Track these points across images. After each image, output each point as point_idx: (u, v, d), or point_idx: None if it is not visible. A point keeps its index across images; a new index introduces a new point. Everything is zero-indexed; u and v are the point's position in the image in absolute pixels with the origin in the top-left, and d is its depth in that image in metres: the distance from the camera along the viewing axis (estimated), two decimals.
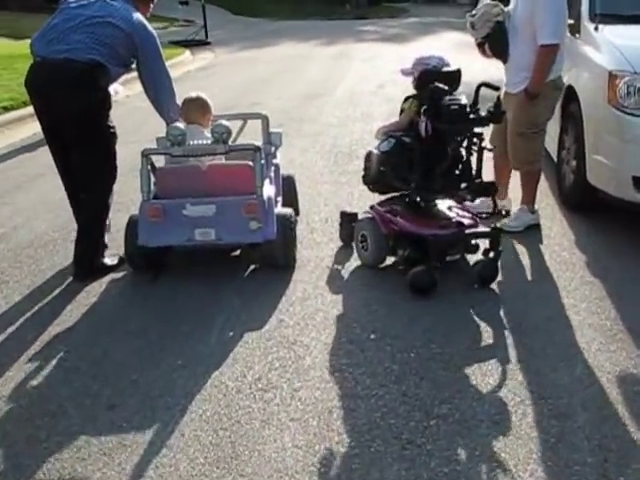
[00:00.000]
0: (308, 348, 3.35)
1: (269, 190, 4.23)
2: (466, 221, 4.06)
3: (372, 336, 3.43)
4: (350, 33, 23.87)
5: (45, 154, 7.27)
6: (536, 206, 4.97)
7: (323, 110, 9.43)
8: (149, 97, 4.32)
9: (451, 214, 4.12)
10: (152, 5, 4.48)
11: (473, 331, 3.52)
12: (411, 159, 3.96)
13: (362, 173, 4.38)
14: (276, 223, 4.12)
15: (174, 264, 4.39)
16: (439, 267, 3.92)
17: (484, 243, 4.13)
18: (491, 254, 4.03)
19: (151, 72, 4.26)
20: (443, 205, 4.18)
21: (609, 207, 4.88)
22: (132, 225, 4.19)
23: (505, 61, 4.83)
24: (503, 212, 4.96)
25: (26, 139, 8.54)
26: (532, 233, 4.81)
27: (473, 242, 4.16)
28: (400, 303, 3.79)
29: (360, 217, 4.39)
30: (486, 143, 4.02)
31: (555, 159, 5.70)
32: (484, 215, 4.21)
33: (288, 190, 4.94)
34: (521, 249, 4.54)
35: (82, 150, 4.11)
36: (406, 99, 4.21)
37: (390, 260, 4.24)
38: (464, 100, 3.85)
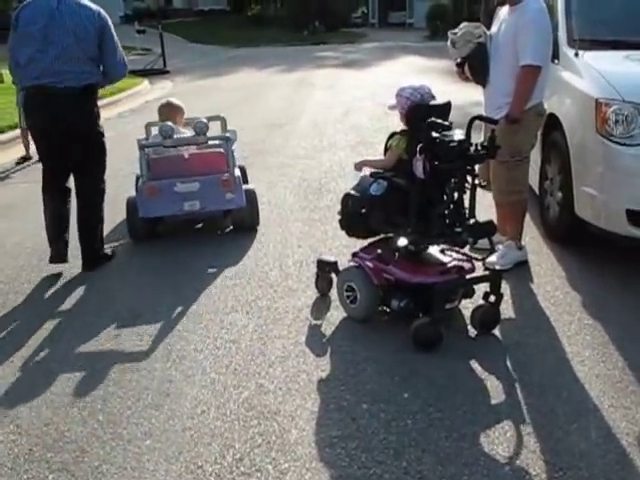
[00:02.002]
0: (293, 419, 2.98)
1: (237, 171, 5.41)
2: (465, 265, 3.78)
3: (364, 405, 3.06)
4: (309, 59, 23.75)
5: None
6: (523, 242, 4.71)
7: (288, 141, 9.13)
8: (106, 68, 4.75)
9: (446, 259, 3.80)
10: None
11: (472, 390, 3.19)
12: (404, 202, 3.64)
13: (338, 217, 4.05)
14: (243, 195, 5.28)
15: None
16: (444, 318, 3.62)
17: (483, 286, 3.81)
18: (492, 298, 3.71)
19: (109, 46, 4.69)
20: (434, 249, 3.85)
21: (598, 240, 4.63)
22: (132, 204, 5.26)
23: (484, 85, 4.59)
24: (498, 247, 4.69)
25: None
26: (520, 271, 4.54)
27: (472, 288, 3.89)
28: (390, 360, 3.45)
29: (346, 266, 3.98)
30: (480, 180, 3.72)
31: (537, 190, 5.45)
32: (480, 256, 3.86)
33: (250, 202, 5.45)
34: (512, 290, 4.25)
35: (85, 154, 4.75)
36: (391, 135, 3.86)
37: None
38: (459, 135, 3.52)
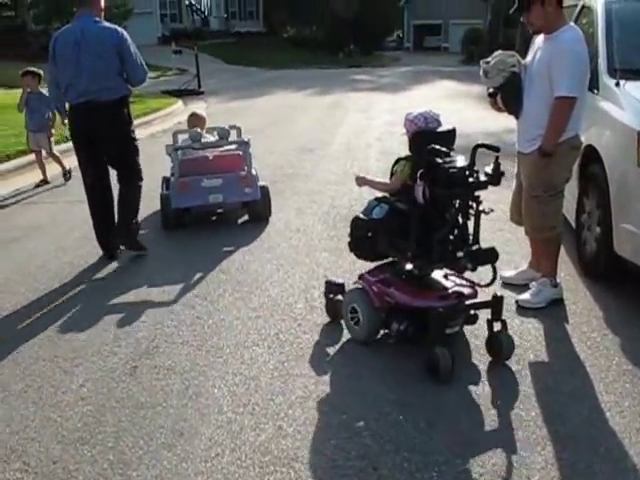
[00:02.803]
0: (311, 466, 2.82)
1: (253, 170, 6.45)
2: (466, 291, 3.76)
3: (387, 453, 2.89)
4: (343, 82, 23.77)
5: (22, 213, 6.87)
6: (557, 279, 4.51)
7: (319, 165, 9.03)
8: (128, 75, 5.42)
9: (448, 283, 3.80)
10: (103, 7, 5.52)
11: (502, 440, 3.00)
12: (406, 226, 3.64)
13: (348, 239, 4.05)
14: (259, 190, 6.34)
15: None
16: (445, 343, 3.52)
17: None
18: (496, 325, 3.66)
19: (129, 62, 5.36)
20: (438, 274, 3.84)
21: (638, 279, 4.42)
22: (165, 198, 6.35)
23: (517, 116, 4.41)
24: (532, 284, 4.50)
25: (5, 196, 8.10)
26: (555, 309, 4.34)
27: (472, 312, 3.84)
28: (415, 403, 3.28)
29: (350, 288, 4.00)
30: (483, 206, 3.65)
31: (573, 223, 5.26)
32: (483, 283, 3.77)
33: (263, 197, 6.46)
34: (545, 331, 4.05)
35: (121, 154, 5.56)
36: (397, 161, 3.87)
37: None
38: (461, 162, 3.56)
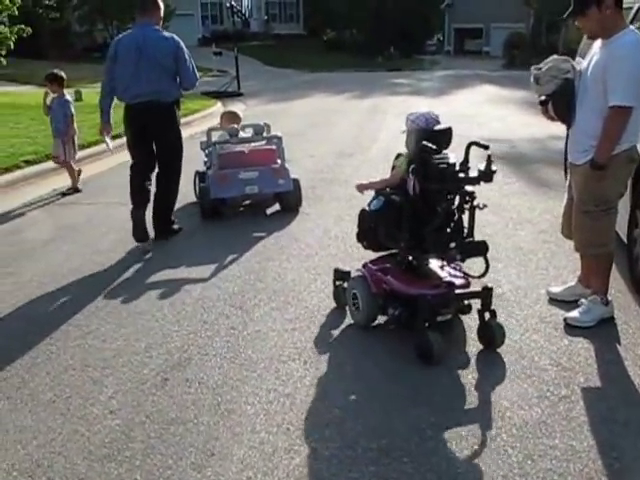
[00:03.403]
0: None
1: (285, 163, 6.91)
2: (457, 281, 3.93)
3: (428, 476, 2.72)
4: (383, 85, 23.57)
5: (61, 214, 7.48)
6: (608, 296, 4.28)
7: (358, 171, 8.84)
8: (180, 78, 5.94)
9: (443, 274, 3.99)
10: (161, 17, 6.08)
11: (553, 472, 2.80)
12: (400, 218, 3.86)
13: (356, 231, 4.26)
14: (291, 181, 6.83)
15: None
16: (438, 330, 3.72)
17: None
18: (487, 315, 3.86)
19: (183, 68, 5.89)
20: (436, 264, 4.05)
21: None
22: (204, 189, 6.79)
23: (569, 125, 4.18)
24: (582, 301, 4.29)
25: (45, 196, 8.10)
26: (606, 329, 4.11)
27: (466, 302, 4.03)
28: (459, 426, 3.09)
29: (352, 276, 4.25)
30: (478, 202, 3.84)
31: (625, 239, 5.01)
32: (476, 274, 3.93)
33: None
34: (596, 352, 3.83)
35: (169, 150, 6.05)
36: (398, 156, 4.07)
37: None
38: (453, 159, 3.79)
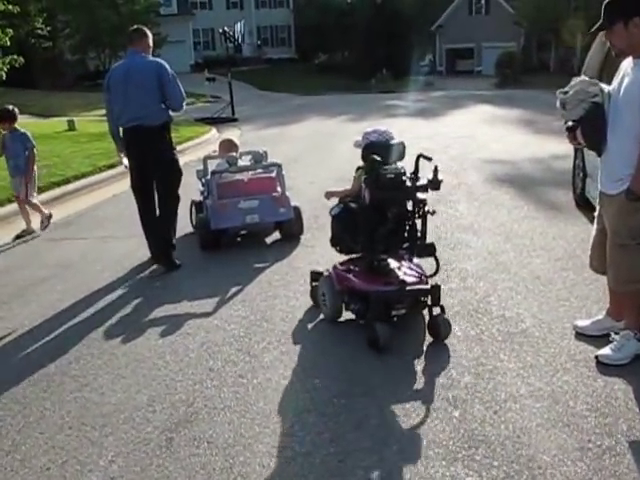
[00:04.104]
0: None
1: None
2: (409, 279, 4.31)
3: None
4: (377, 108, 23.42)
5: (54, 251, 7.06)
6: None
7: None
8: (167, 101, 5.93)
9: (399, 273, 4.36)
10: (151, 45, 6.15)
11: None
12: (356, 223, 4.35)
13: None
14: (292, 210, 6.62)
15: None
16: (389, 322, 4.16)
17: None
18: (435, 310, 4.27)
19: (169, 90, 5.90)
20: (395, 265, 4.43)
21: None
22: (203, 220, 6.61)
23: (600, 152, 3.90)
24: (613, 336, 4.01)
25: (37, 231, 7.80)
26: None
27: (422, 300, 4.35)
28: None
29: (323, 276, 4.66)
30: (429, 207, 4.27)
31: None
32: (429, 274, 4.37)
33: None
34: (635, 394, 3.53)
35: (164, 174, 6.03)
36: (357, 169, 4.47)
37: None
38: (401, 170, 4.25)
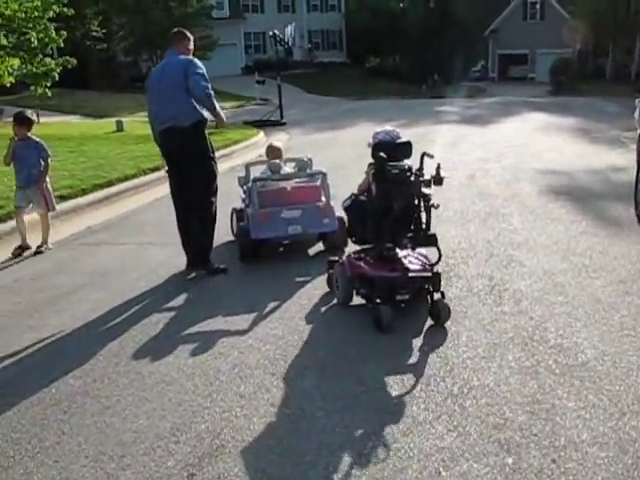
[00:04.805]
0: None
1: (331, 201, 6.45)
2: (413, 267, 4.68)
3: None
4: (428, 113, 23.02)
5: (92, 257, 6.91)
6: None
7: None
8: (190, 89, 5.67)
9: (405, 261, 4.70)
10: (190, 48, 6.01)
11: None
12: (365, 214, 4.77)
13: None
14: (337, 220, 6.26)
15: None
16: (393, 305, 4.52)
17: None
18: (436, 296, 4.62)
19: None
20: (402, 254, 4.75)
21: None
22: (243, 229, 6.34)
23: None
24: None
25: (77, 235, 7.69)
26: None
27: (427, 287, 4.68)
28: None
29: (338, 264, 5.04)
30: (433, 202, 4.60)
31: None
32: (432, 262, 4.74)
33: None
34: None
35: (197, 174, 5.85)
36: (368, 165, 4.78)
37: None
38: (405, 166, 4.63)
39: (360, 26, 47.35)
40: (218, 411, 3.50)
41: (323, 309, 4.98)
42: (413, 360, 4.04)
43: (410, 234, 4.70)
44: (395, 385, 3.73)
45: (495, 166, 11.46)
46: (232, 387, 3.76)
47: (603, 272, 5.63)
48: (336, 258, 5.18)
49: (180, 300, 5.33)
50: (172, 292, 5.51)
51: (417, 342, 4.30)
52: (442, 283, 4.72)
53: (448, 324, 4.55)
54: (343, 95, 33.84)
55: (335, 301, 5.01)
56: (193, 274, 5.91)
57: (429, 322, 4.58)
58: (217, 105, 5.78)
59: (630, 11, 37.64)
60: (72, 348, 4.44)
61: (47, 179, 7.26)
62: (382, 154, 4.55)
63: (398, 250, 4.73)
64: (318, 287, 5.43)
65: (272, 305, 5.07)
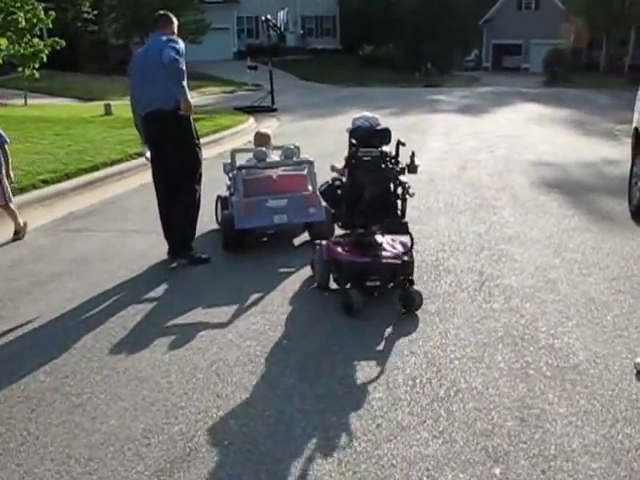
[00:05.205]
0: None
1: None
2: (384, 253, 4.71)
3: None
4: (421, 102, 22.85)
5: (73, 244, 6.67)
6: None
7: None
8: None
9: (379, 248, 4.74)
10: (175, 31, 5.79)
11: None
12: (338, 199, 4.83)
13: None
14: (324, 210, 5.96)
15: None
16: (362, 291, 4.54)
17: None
18: (407, 284, 4.61)
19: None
20: (381, 241, 4.80)
21: None
22: (227, 218, 6.15)
23: None
24: None
25: (58, 221, 7.48)
26: None
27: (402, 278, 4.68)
28: None
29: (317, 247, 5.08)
30: (409, 189, 4.65)
31: None
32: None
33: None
34: None
35: (182, 160, 5.72)
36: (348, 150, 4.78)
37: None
38: (377, 153, 4.66)
39: (354, 13, 46.94)
40: (193, 412, 3.34)
41: (307, 303, 4.82)
42: (399, 360, 3.87)
43: (383, 220, 4.72)
44: (379, 387, 3.57)
45: (487, 157, 11.31)
46: (209, 386, 3.59)
47: (596, 269, 5.49)
48: (321, 242, 5.15)
49: (160, 291, 5.16)
50: (152, 282, 5.33)
51: (404, 341, 4.14)
52: (431, 277, 4.62)
53: (436, 321, 4.41)
54: (336, 82, 33.56)
55: (315, 285, 5.07)
56: (174, 264, 5.75)
57: (421, 321, 4.42)
58: (185, 84, 5.38)
59: (625, 3, 37.45)
60: (45, 341, 4.26)
61: (6, 168, 6.74)
62: (354, 140, 4.61)
63: (379, 237, 4.76)
64: (302, 279, 5.27)
65: (254, 297, 4.90)
